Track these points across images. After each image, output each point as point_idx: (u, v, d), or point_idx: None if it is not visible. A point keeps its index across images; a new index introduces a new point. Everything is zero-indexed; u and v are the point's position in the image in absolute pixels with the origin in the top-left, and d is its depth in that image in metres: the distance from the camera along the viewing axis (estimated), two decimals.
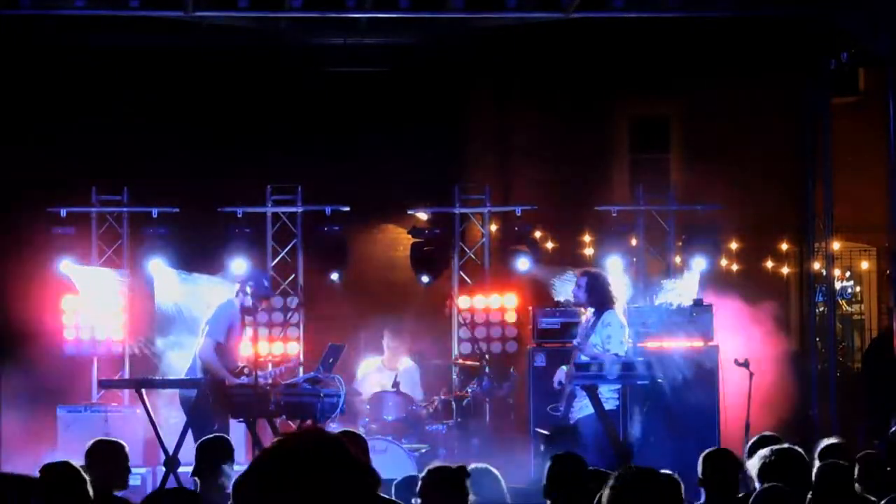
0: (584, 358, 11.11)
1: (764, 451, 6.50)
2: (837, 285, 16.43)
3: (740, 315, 14.11)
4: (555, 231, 16.08)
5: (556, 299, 13.70)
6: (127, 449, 7.91)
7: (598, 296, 11.43)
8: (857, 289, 18.69)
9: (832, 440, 7.66)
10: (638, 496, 4.21)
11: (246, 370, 11.62)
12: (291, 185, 14.78)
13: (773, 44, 14.63)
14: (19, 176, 14.88)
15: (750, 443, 7.90)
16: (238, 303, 11.88)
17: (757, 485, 6.47)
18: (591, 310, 11.54)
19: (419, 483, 6.39)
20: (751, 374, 13.13)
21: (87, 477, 6.22)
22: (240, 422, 11.67)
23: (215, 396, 11.23)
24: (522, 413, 13.22)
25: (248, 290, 11.83)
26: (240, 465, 13.00)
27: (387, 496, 6.87)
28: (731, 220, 15.03)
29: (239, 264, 13.83)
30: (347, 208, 14.62)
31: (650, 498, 4.24)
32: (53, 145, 15.33)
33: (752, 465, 6.58)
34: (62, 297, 14.31)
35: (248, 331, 12.46)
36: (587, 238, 15.70)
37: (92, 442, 8.01)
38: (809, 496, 6.52)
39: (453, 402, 13.26)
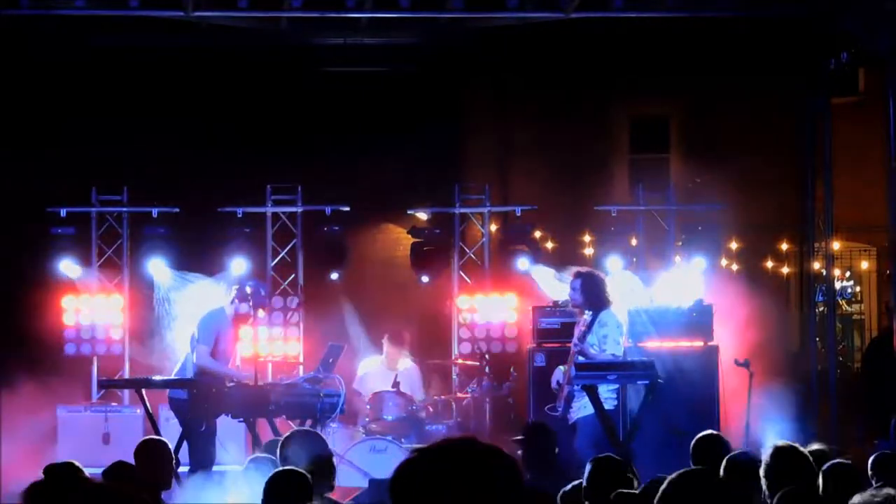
0: (581, 359, 11.10)
1: (769, 452, 6.50)
2: (837, 285, 16.43)
3: (740, 315, 14.11)
4: (555, 231, 16.08)
5: (554, 299, 13.70)
6: (171, 447, 8.09)
7: (593, 296, 11.40)
8: (857, 289, 18.69)
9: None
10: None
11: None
12: (291, 185, 14.79)
13: (772, 44, 14.62)
14: (19, 176, 14.88)
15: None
16: (231, 310, 11.83)
17: (764, 484, 6.45)
18: (588, 311, 11.51)
19: None
20: (751, 374, 13.13)
21: (88, 477, 6.25)
22: (240, 422, 11.68)
23: (207, 398, 11.27)
24: (522, 413, 13.22)
25: (241, 297, 11.80)
26: (239, 465, 13.05)
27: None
28: (731, 220, 15.02)
29: (239, 264, 13.84)
30: (347, 208, 14.63)
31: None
32: (53, 145, 15.33)
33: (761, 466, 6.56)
34: (62, 297, 14.32)
35: (252, 331, 12.48)
36: (587, 238, 15.70)
37: (139, 442, 8.13)
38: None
39: (453, 403, 13.27)
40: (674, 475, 4.29)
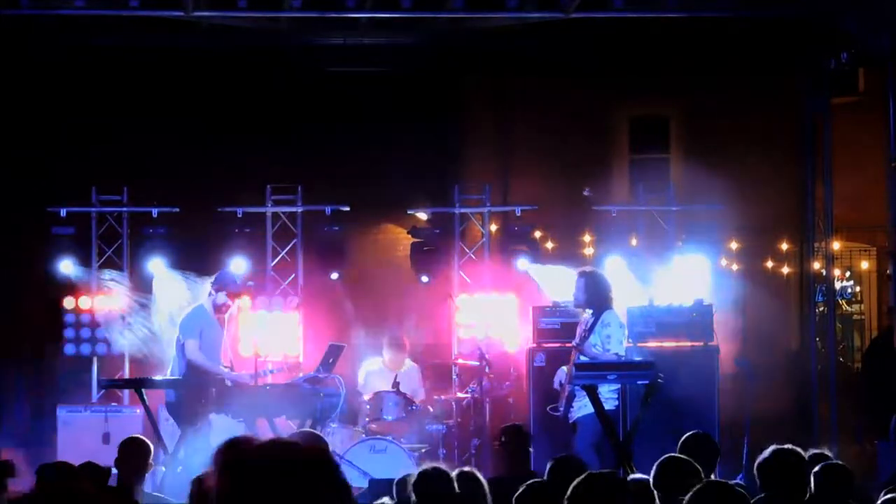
0: (583, 358, 11.11)
1: (767, 452, 6.55)
2: (837, 285, 16.43)
3: (740, 315, 14.11)
4: (555, 231, 16.07)
5: (554, 299, 13.70)
6: (150, 446, 8.66)
7: (597, 296, 11.42)
8: (857, 289, 18.69)
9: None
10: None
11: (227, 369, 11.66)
12: (291, 185, 14.79)
13: (772, 44, 14.62)
14: (19, 176, 14.88)
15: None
16: (210, 304, 11.85)
17: (758, 481, 6.51)
18: (590, 310, 11.52)
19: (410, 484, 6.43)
20: (751, 374, 13.13)
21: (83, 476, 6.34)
22: (240, 422, 11.68)
23: (198, 397, 11.30)
24: (522, 413, 13.22)
25: (217, 289, 11.84)
26: None
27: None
28: (731, 220, 15.02)
29: (239, 264, 13.84)
30: (347, 208, 14.63)
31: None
32: (53, 145, 15.33)
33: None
34: (62, 297, 14.32)
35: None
36: (587, 238, 15.70)
37: (123, 439, 8.85)
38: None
39: (453, 403, 13.26)
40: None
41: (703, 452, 7.58)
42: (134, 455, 8.45)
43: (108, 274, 14.23)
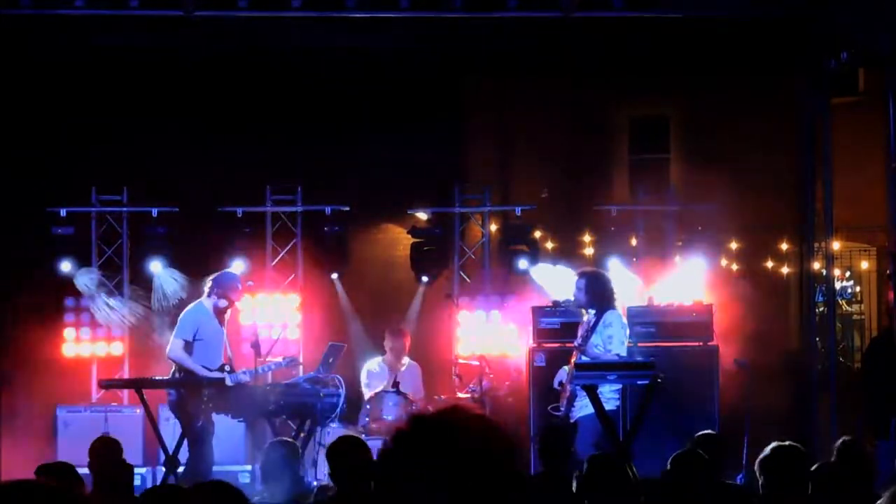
0: (584, 359, 11.11)
1: (768, 448, 6.59)
2: (837, 285, 16.42)
3: (740, 315, 14.11)
4: (555, 231, 16.07)
5: (554, 299, 13.70)
6: (120, 444, 8.62)
7: (598, 296, 11.41)
8: (857, 289, 18.69)
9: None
10: None
11: (227, 368, 11.63)
12: (291, 185, 14.79)
13: (772, 44, 14.61)
14: (19, 176, 14.87)
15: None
16: (210, 304, 11.81)
17: (760, 479, 6.55)
18: (591, 310, 11.52)
19: None
20: (750, 374, 13.12)
21: (81, 477, 6.34)
22: (240, 422, 11.69)
23: (198, 397, 11.30)
24: (522, 413, 13.22)
25: (218, 292, 11.79)
26: (239, 464, 13.08)
27: None
28: (731, 220, 15.02)
29: (239, 264, 13.84)
30: (347, 208, 14.63)
31: None
32: (53, 145, 15.32)
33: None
34: (62, 297, 14.32)
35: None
36: (587, 238, 15.70)
37: (94, 439, 8.76)
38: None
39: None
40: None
41: (711, 452, 7.60)
42: (103, 454, 8.41)
43: (84, 271, 14.20)
